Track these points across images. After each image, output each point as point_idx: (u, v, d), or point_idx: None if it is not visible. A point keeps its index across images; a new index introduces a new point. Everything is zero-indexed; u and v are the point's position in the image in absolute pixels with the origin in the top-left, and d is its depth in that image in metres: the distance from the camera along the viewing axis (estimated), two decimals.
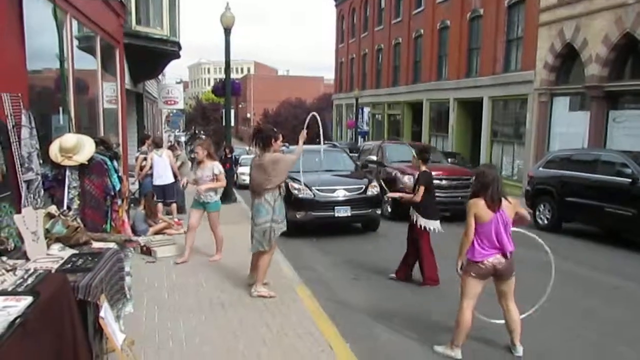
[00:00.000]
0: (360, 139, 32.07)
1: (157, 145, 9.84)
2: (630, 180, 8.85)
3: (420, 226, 6.29)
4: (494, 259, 4.06)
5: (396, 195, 7.06)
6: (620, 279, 6.91)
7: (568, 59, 15.57)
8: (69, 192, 4.66)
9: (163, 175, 9.46)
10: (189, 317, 4.80)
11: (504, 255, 4.07)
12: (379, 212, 9.91)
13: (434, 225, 6.31)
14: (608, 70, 13.89)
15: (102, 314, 2.92)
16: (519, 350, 4.28)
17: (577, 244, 9.34)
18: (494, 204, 4.03)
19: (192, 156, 13.93)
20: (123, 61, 10.18)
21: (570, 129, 15.51)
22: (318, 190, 9.42)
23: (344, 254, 7.81)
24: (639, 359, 4.38)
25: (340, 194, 9.38)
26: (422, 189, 6.23)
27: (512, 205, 4.18)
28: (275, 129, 5.78)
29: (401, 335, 4.71)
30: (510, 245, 4.09)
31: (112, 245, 3.99)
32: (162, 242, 7.55)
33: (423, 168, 6.39)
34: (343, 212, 9.19)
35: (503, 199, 4.09)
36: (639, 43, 12.86)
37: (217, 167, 6.88)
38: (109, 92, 9.36)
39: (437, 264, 6.33)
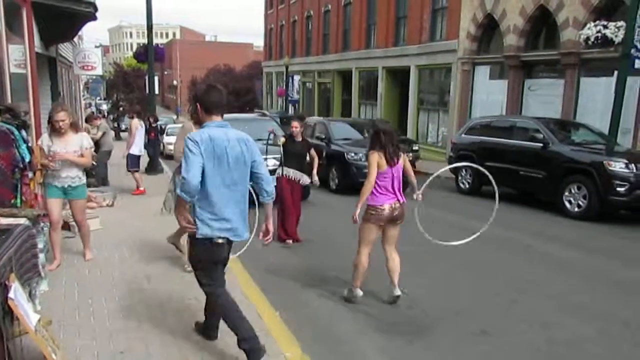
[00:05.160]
0: (290, 108, 31.87)
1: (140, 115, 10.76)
2: (541, 144, 9.49)
3: (309, 183, 7.13)
4: (392, 204, 4.49)
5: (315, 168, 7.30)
6: (531, 237, 7.45)
7: (489, 29, 16.16)
8: None
9: (140, 145, 10.43)
10: (113, 292, 4.63)
11: (399, 201, 4.53)
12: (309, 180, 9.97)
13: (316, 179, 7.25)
14: (524, 40, 14.59)
15: (11, 294, 2.74)
16: (397, 291, 4.69)
17: (492, 205, 9.90)
18: (393, 159, 4.46)
19: (115, 125, 13.22)
20: (31, 22, 9.33)
21: (490, 97, 16.23)
22: None
23: (273, 222, 7.80)
24: (542, 309, 4.77)
25: (270, 162, 9.27)
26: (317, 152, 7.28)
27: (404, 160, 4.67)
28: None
29: (330, 301, 4.82)
30: (402, 197, 4.58)
31: (22, 220, 3.74)
32: (93, 214, 7.17)
33: (301, 136, 7.20)
34: (273, 180, 9.14)
35: (402, 154, 4.57)
36: (551, 15, 13.55)
37: (87, 139, 5.39)
38: (16, 56, 8.59)
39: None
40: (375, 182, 4.44)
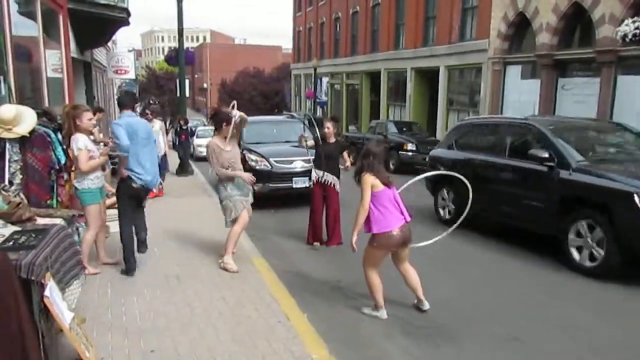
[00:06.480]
0: (319, 109, 31.94)
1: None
2: None
3: (337, 190, 6.88)
4: (402, 228, 4.27)
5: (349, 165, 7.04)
6: None
7: (520, 27, 15.83)
8: (9, 166, 4.44)
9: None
10: (143, 292, 4.73)
11: (407, 221, 4.32)
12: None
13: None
14: (557, 38, 14.23)
15: (46, 292, 2.82)
16: (426, 305, 4.59)
17: None
18: (385, 179, 4.31)
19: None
20: (67, 27, 9.65)
21: (522, 96, 15.89)
22: (275, 161, 9.35)
23: (301, 224, 7.82)
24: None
25: (298, 165, 9.34)
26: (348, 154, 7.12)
27: None
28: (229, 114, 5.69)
29: (357, 304, 4.78)
30: (408, 215, 4.36)
31: (58, 221, 3.85)
32: (115, 216, 7.33)
33: (334, 137, 6.99)
34: (301, 183, 9.17)
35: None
36: (586, 11, 13.19)
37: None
38: (53, 61, 8.88)
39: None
40: (378, 204, 4.23)
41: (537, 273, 5.83)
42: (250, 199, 5.70)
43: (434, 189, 8.50)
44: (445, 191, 8.19)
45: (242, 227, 5.64)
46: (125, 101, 5.51)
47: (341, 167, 6.98)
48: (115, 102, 27.20)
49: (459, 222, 5.44)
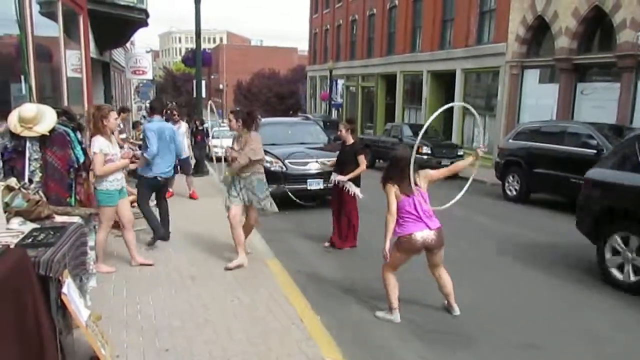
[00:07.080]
0: (334, 112, 31.94)
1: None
2: (595, 151, 9.06)
3: (353, 194, 6.71)
4: (423, 233, 4.26)
5: (350, 176, 6.70)
6: (579, 247, 7.14)
7: (539, 31, 15.68)
8: (29, 164, 4.49)
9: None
10: (159, 291, 4.76)
11: (431, 229, 4.28)
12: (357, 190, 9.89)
13: (359, 192, 6.76)
14: (577, 42, 14.07)
15: (64, 289, 2.85)
16: (456, 310, 4.59)
17: (543, 214, 9.58)
18: (405, 189, 4.27)
19: None
20: (87, 28, 9.77)
21: (540, 101, 15.74)
22: (290, 162, 9.36)
23: (316, 226, 7.82)
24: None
25: (313, 166, 9.34)
26: (364, 158, 6.79)
27: (423, 178, 4.42)
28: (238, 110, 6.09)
29: (371, 306, 4.77)
30: (435, 221, 4.34)
31: (76, 219, 3.89)
32: (140, 214, 7.39)
33: (352, 139, 6.83)
34: (316, 184, 9.17)
35: (416, 178, 4.33)
36: (606, 16, 13.01)
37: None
38: (73, 61, 9.00)
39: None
40: (400, 211, 4.29)
41: (553, 280, 5.75)
42: (238, 202, 5.62)
43: (597, 233, 5.78)
44: (619, 238, 5.46)
45: (235, 228, 5.58)
46: (156, 106, 6.50)
47: (334, 177, 6.78)
48: (133, 102, 27.53)
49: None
